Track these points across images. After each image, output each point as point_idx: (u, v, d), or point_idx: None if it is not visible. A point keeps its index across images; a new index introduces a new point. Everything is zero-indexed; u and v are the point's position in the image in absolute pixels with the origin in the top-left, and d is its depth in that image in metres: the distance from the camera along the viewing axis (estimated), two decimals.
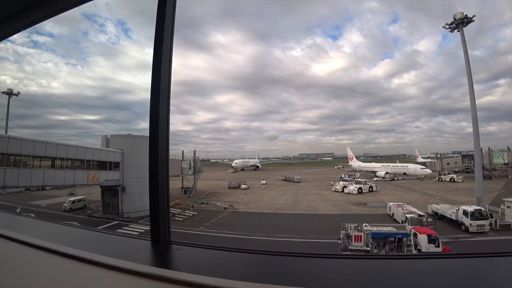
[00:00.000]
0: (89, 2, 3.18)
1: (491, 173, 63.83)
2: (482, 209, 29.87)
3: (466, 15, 41.70)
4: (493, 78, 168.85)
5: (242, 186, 61.09)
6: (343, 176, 69.17)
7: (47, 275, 2.26)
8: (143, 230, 28.91)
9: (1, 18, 3.20)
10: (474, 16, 41.63)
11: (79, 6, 3.31)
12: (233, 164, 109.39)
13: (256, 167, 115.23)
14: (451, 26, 43.17)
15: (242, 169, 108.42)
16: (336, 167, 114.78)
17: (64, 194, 47.97)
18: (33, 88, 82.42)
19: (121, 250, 2.53)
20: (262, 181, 68.81)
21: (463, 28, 41.95)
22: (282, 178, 77.37)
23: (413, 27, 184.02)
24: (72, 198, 42.62)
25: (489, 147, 68.06)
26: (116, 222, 34.69)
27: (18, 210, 33.77)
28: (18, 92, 57.91)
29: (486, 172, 59.78)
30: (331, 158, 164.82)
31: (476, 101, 39.36)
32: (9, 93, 56.51)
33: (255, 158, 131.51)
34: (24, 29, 3.65)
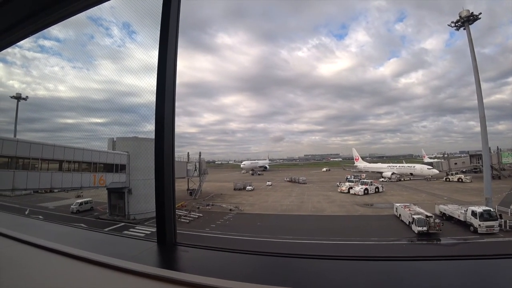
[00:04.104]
0: (95, 7, 3.22)
1: (500, 173, 62.75)
2: (491, 209, 29.31)
3: (472, 12, 41.18)
4: (503, 76, 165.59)
5: (248, 187, 61.03)
6: (348, 177, 68.72)
7: (55, 276, 2.29)
8: (149, 232, 29.06)
9: (10, 24, 3.25)
10: (481, 13, 41.14)
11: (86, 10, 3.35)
12: (241, 166, 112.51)
13: (264, 168, 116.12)
14: (456, 24, 42.65)
15: (252, 170, 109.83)
16: (323, 169, 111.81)
17: (71, 196, 48.53)
18: (40, 92, 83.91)
19: (128, 252, 2.55)
20: (268, 183, 68.72)
21: (469, 26, 41.47)
22: (288, 179, 77.10)
23: (420, 25, 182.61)
24: (79, 200, 43.02)
25: (497, 147, 67.09)
26: (122, 224, 34.93)
27: (27, 212, 34.27)
28: (27, 97, 58.71)
29: (495, 172, 58.70)
30: (341, 159, 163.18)
31: (485, 100, 38.89)
32: (18, 97, 57.30)
33: (266, 160, 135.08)
34: (31, 35, 3.70)
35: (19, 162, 29.71)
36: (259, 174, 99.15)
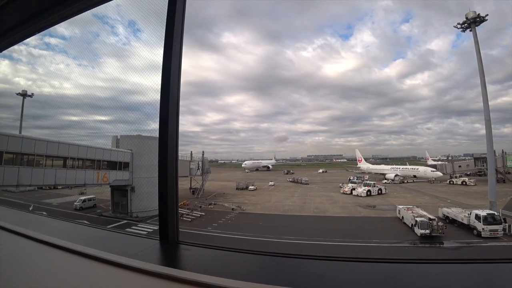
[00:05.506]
0: (102, 5, 3.24)
1: (504, 176, 62.06)
2: (495, 213, 28.98)
3: (478, 14, 40.76)
4: (510, 78, 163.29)
5: (250, 187, 61.04)
6: (351, 178, 68.39)
7: (57, 272, 2.31)
8: (151, 230, 29.17)
9: (16, 22, 3.28)
10: (487, 15, 40.71)
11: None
12: (242, 165, 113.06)
13: (267, 168, 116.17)
14: (463, 26, 42.24)
15: (257, 170, 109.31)
16: (319, 171, 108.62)
17: (75, 193, 48.85)
18: (46, 89, 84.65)
19: (131, 249, 2.57)
20: (270, 183, 68.72)
21: (476, 27, 41.06)
22: (290, 179, 77.14)
23: (426, 25, 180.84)
24: (83, 197, 43.35)
25: (502, 150, 66.25)
26: (125, 221, 35.09)
27: (31, 208, 34.61)
28: (32, 94, 59.19)
29: (499, 176, 58.20)
30: (345, 160, 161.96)
31: (491, 102, 38.66)
32: (24, 94, 57.75)
33: (272, 160, 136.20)
34: (38, 32, 3.73)
35: (24, 159, 29.99)
36: (291, 173, 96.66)
